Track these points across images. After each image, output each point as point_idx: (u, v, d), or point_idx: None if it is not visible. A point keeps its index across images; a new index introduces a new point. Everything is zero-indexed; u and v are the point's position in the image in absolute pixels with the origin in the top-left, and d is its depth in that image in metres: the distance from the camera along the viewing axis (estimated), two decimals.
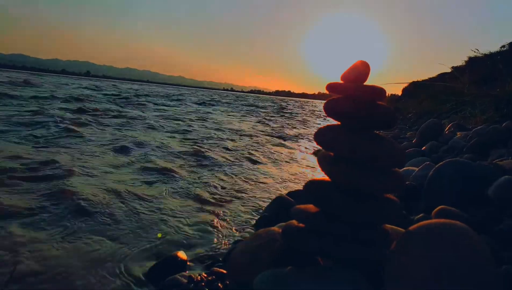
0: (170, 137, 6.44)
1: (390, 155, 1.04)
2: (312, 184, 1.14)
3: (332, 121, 1.24)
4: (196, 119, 10.55)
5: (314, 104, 59.50)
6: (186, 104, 18.33)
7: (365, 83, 1.13)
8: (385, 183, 1.04)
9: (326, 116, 1.17)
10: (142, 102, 15.28)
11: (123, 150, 4.74)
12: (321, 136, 1.13)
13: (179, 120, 9.84)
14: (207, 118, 11.24)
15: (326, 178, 1.15)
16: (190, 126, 8.60)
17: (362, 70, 1.12)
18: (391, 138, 1.16)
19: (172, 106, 15.54)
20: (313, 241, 1.05)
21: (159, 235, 1.80)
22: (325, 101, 1.19)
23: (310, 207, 1.15)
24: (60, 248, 1.90)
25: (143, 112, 11.28)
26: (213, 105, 20.64)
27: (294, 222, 1.16)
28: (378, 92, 1.09)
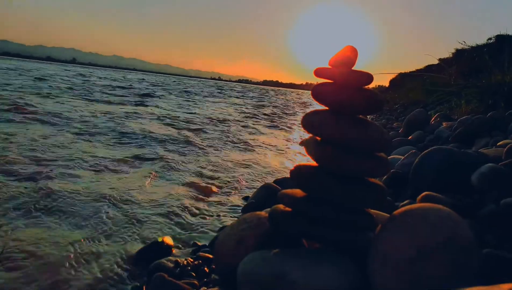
0: None
1: (376, 139, 1.05)
2: (298, 169, 1.15)
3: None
4: None
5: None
6: None
7: (353, 68, 1.13)
8: (371, 167, 1.05)
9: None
10: None
11: None
12: (308, 120, 1.12)
13: None
14: None
15: (313, 163, 1.15)
16: None
17: (350, 55, 1.12)
18: (377, 123, 1.16)
19: None
20: (299, 224, 1.05)
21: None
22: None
23: (297, 191, 1.15)
24: (44, 234, 1.89)
25: None
26: None
27: (281, 206, 1.17)
28: (366, 77, 1.09)
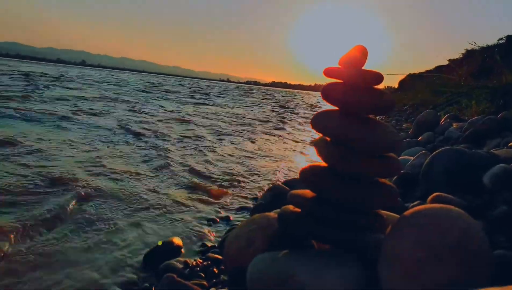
0: None
1: (386, 139, 1.04)
2: (308, 169, 1.14)
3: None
4: None
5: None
6: None
7: (362, 68, 1.12)
8: (381, 168, 1.04)
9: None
10: None
11: None
12: (318, 120, 1.12)
13: None
14: None
15: (323, 164, 1.15)
16: None
17: (359, 55, 1.11)
18: (387, 124, 1.15)
19: None
20: (307, 224, 1.05)
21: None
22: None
23: (307, 192, 1.15)
24: (54, 234, 1.90)
25: None
26: None
27: (291, 207, 1.16)
28: (375, 77, 1.08)
